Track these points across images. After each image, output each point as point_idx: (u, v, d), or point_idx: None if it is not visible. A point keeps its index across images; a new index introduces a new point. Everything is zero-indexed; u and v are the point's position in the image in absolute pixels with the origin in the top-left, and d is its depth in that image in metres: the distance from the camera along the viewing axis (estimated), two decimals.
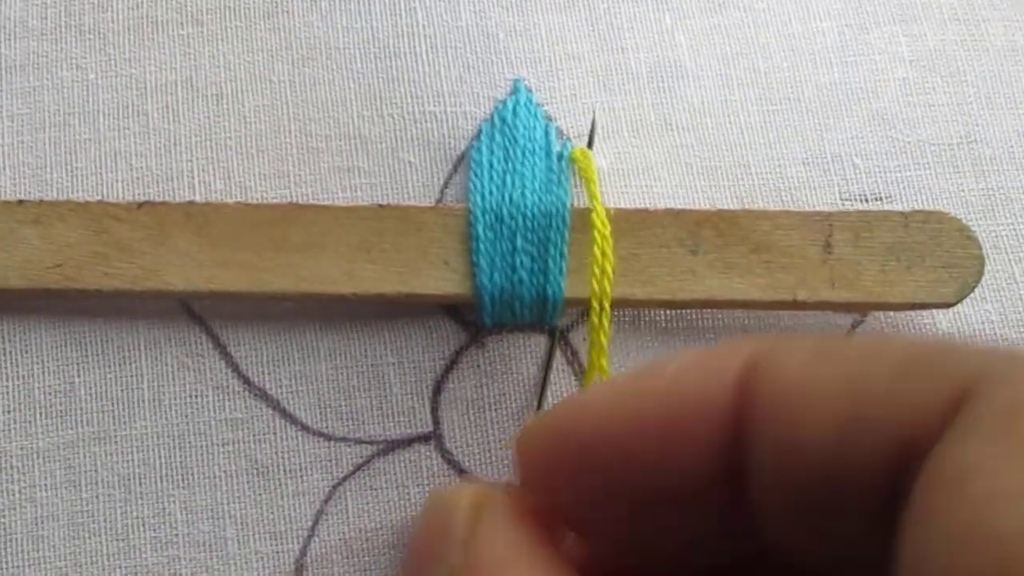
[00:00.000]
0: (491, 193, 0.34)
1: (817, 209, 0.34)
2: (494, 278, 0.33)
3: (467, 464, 0.33)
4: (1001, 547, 0.16)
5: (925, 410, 0.19)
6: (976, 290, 0.35)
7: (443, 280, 0.33)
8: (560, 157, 0.34)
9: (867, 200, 0.36)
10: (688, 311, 0.35)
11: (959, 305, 0.34)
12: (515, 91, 0.36)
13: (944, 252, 0.33)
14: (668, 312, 0.35)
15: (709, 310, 0.35)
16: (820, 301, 0.33)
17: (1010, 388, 0.19)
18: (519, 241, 0.33)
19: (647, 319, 0.35)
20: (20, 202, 0.34)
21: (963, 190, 0.36)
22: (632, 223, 0.33)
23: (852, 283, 0.33)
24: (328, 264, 0.33)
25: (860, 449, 0.20)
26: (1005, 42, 0.38)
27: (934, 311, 0.34)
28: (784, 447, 0.20)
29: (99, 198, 0.35)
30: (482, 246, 0.33)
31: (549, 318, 0.33)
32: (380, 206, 0.34)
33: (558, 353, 0.34)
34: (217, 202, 0.34)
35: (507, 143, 0.35)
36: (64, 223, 0.33)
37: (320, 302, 0.33)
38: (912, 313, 0.34)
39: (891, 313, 0.34)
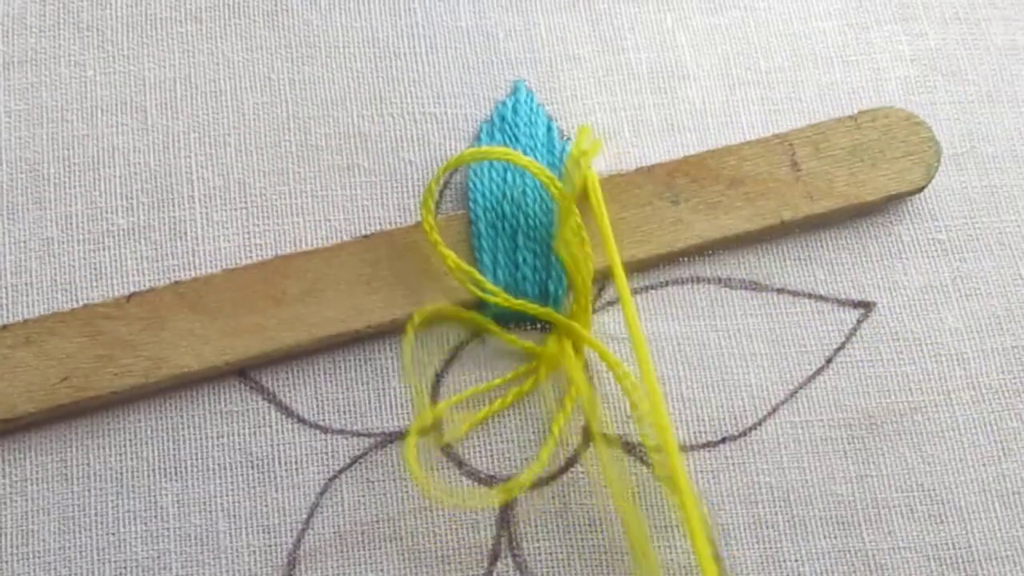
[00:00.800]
0: (491, 192, 0.34)
1: (773, 132, 0.35)
2: (497, 275, 0.33)
3: (466, 457, 0.33)
4: None
5: None
6: (981, 286, 0.34)
7: (450, 288, 0.33)
8: (562, 156, 0.34)
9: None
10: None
11: (966, 300, 0.34)
12: (516, 91, 0.36)
13: (900, 143, 0.35)
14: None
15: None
16: (805, 216, 0.34)
17: None
18: (521, 239, 0.33)
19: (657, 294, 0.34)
20: (4, 327, 0.32)
21: (967, 188, 0.36)
22: (610, 189, 0.34)
23: (827, 192, 0.34)
24: (333, 306, 0.32)
25: None
26: (1006, 40, 0.38)
27: (941, 308, 0.34)
28: None
29: (97, 196, 0.34)
30: (484, 244, 0.33)
31: (553, 312, 0.33)
32: (364, 237, 0.33)
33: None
34: (204, 275, 0.33)
35: (508, 141, 0.34)
36: (57, 336, 0.32)
37: (339, 341, 0.33)
38: (918, 307, 0.34)
39: (897, 308, 0.34)
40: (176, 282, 0.33)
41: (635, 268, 0.34)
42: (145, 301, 0.33)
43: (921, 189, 0.35)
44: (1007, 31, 0.38)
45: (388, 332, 0.33)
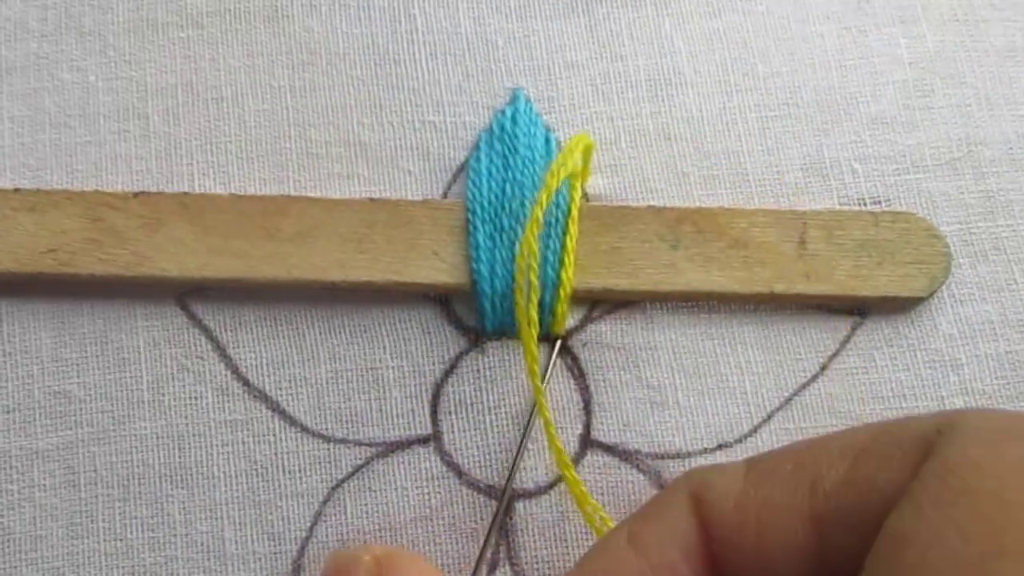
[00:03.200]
0: (490, 203, 0.34)
1: (792, 208, 0.35)
2: (495, 284, 0.33)
3: (466, 467, 0.33)
4: None
5: (893, 486, 0.21)
6: (976, 291, 0.35)
7: (432, 270, 0.33)
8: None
9: (866, 204, 0.36)
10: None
11: (960, 306, 0.34)
12: (515, 100, 0.36)
13: (913, 249, 0.34)
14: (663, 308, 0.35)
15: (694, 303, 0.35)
16: (797, 293, 0.34)
17: (961, 455, 0.20)
18: (518, 249, 0.33)
19: (645, 319, 0.35)
20: (16, 190, 0.34)
21: (963, 192, 0.36)
22: (615, 218, 0.34)
23: (826, 277, 0.34)
24: (319, 253, 0.33)
25: (836, 545, 0.21)
26: (1004, 43, 0.38)
27: (935, 314, 0.34)
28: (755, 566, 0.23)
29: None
30: (482, 254, 0.33)
31: (548, 324, 0.33)
32: (372, 200, 0.34)
33: (557, 359, 0.34)
34: (212, 193, 0.34)
35: (507, 152, 0.35)
36: (59, 210, 0.34)
37: (311, 290, 0.34)
38: (912, 314, 0.35)
39: (889, 315, 0.35)
40: (184, 193, 0.34)
41: (615, 299, 0.34)
42: (149, 202, 0.34)
43: (921, 300, 0.34)
44: (1005, 33, 0.38)
45: (361, 291, 0.34)
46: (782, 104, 0.37)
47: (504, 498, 0.32)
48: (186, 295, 0.34)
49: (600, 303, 0.34)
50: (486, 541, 0.32)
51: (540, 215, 0.31)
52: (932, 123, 0.37)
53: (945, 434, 0.20)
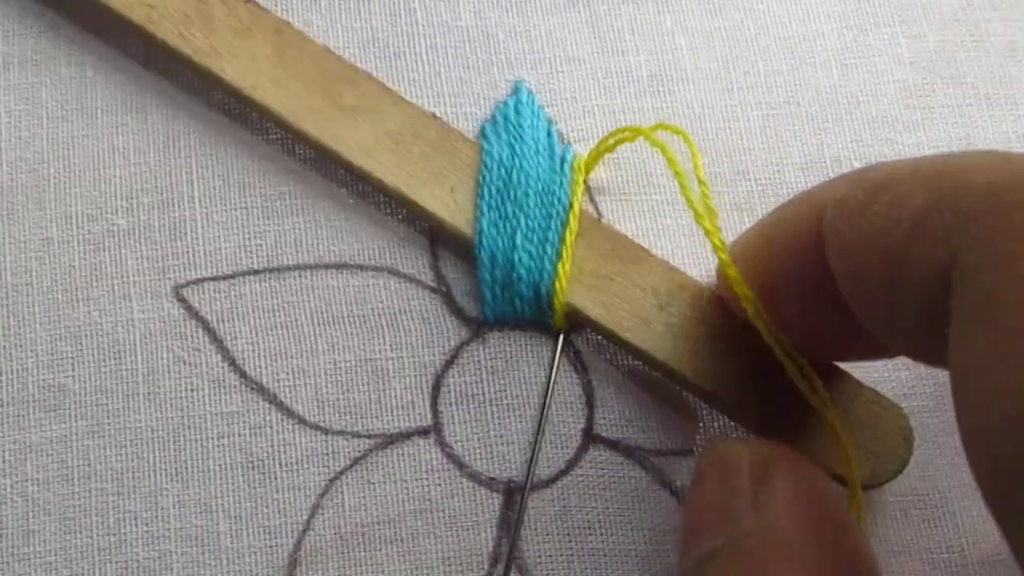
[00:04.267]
0: (498, 189, 0.34)
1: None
2: (495, 273, 0.33)
3: (468, 459, 0.33)
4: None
5: (960, 228, 0.22)
6: None
7: (440, 203, 0.34)
8: (563, 161, 0.34)
9: None
10: None
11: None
12: (517, 91, 0.36)
13: (874, 437, 0.32)
14: None
15: None
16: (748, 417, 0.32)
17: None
18: (519, 239, 0.33)
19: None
20: None
21: None
22: (630, 254, 0.33)
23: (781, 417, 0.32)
24: (357, 134, 0.34)
25: (909, 265, 0.24)
26: (1005, 43, 0.38)
27: None
28: (850, 271, 0.26)
29: (97, 196, 0.35)
30: (485, 240, 0.33)
31: (548, 318, 0.33)
32: (434, 116, 0.35)
33: (561, 354, 0.34)
34: (309, 37, 0.35)
35: (513, 142, 0.35)
36: None
37: (327, 158, 0.35)
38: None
39: None
40: (287, 22, 0.35)
41: (582, 323, 0.34)
42: (254, 13, 0.35)
43: (844, 484, 0.30)
44: (1006, 32, 0.38)
45: (371, 184, 0.34)
46: (783, 102, 0.37)
47: (526, 491, 0.32)
48: (182, 286, 0.34)
49: None
50: (514, 537, 0.32)
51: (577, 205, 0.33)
52: (932, 123, 0.37)
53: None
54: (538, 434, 0.32)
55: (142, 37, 0.35)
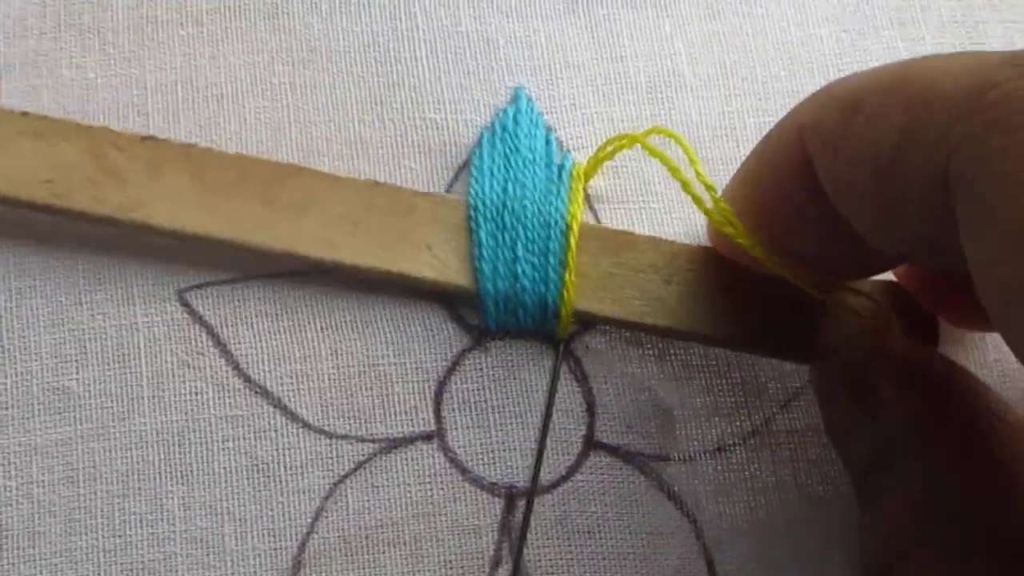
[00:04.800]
0: (492, 201, 0.34)
1: None
2: (497, 285, 0.33)
3: (470, 464, 0.33)
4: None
5: (945, 137, 0.23)
6: None
7: (422, 264, 0.33)
8: (561, 169, 0.35)
9: None
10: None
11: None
12: (516, 99, 0.36)
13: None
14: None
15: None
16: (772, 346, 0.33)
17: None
18: (520, 250, 0.33)
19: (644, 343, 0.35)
20: (24, 114, 0.34)
21: None
22: (616, 243, 0.34)
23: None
24: (312, 228, 0.33)
25: (903, 180, 0.24)
26: (1003, 45, 0.38)
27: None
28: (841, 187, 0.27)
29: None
30: (485, 252, 0.33)
31: (552, 327, 0.34)
32: (376, 183, 0.34)
33: (561, 364, 0.34)
34: (219, 150, 0.34)
35: (508, 151, 0.35)
36: (65, 142, 0.33)
37: (295, 264, 0.34)
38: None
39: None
40: (192, 144, 0.34)
41: (598, 323, 0.34)
42: (157, 148, 0.33)
43: None
44: (1005, 34, 0.38)
45: (359, 282, 0.34)
46: (781, 108, 0.37)
47: (531, 496, 0.32)
48: (186, 291, 0.34)
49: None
50: (520, 542, 0.32)
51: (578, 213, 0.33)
52: None
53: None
54: (542, 441, 0.33)
55: (53, 214, 0.33)
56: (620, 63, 0.37)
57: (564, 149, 0.36)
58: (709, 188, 0.32)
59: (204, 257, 0.34)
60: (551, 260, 0.33)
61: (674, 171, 0.32)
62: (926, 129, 0.23)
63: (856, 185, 0.26)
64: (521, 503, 0.33)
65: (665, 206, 0.36)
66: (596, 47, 0.38)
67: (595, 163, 0.35)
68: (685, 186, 0.32)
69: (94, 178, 0.33)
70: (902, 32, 0.38)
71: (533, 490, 0.32)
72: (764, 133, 0.36)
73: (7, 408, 0.33)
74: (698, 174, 0.32)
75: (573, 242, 0.33)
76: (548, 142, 0.35)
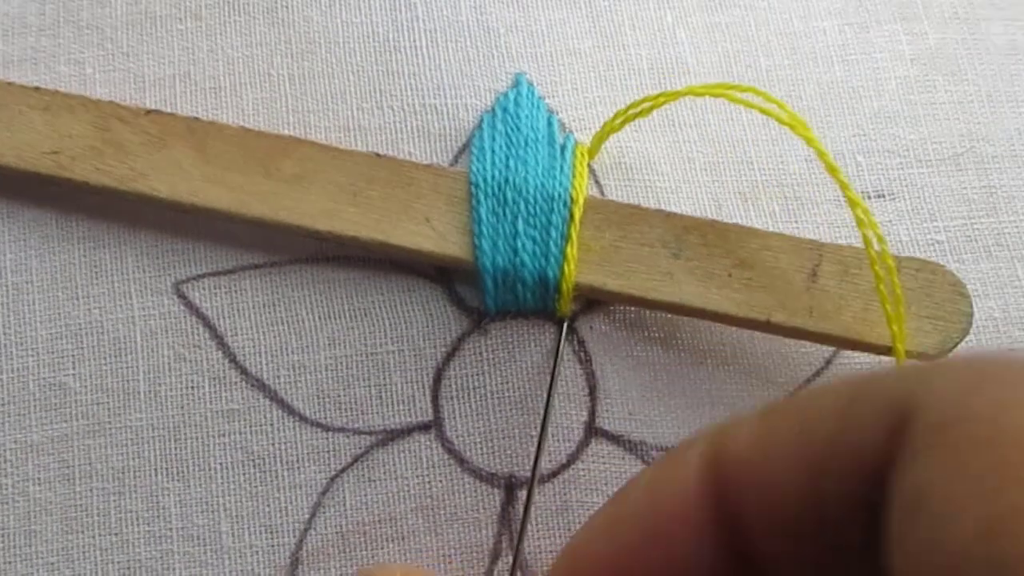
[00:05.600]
0: (493, 177, 0.34)
1: (811, 238, 0.33)
2: (496, 261, 0.33)
3: (468, 454, 0.33)
4: (957, 558, 0.18)
5: (873, 442, 0.21)
6: (979, 287, 0.35)
7: (421, 236, 0.33)
8: (563, 148, 0.34)
9: (869, 197, 0.36)
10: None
11: (971, 301, 0.33)
12: (517, 84, 0.36)
13: (932, 303, 0.32)
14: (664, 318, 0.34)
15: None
16: (795, 327, 0.32)
17: (938, 406, 0.20)
18: (521, 225, 0.33)
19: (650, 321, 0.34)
20: (36, 88, 0.34)
21: (965, 187, 0.36)
22: (621, 216, 0.33)
23: (831, 316, 0.32)
24: (311, 200, 0.33)
25: (827, 494, 0.21)
26: (1006, 40, 0.38)
27: None
28: (763, 516, 0.22)
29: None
30: (484, 229, 0.33)
31: (552, 304, 0.33)
32: (377, 155, 0.34)
33: (564, 343, 0.33)
34: (222, 123, 0.34)
35: (509, 131, 0.35)
36: (71, 115, 0.34)
37: (295, 235, 0.34)
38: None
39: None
40: (195, 118, 0.34)
41: (603, 298, 0.34)
42: (160, 121, 0.34)
43: (930, 358, 0.32)
44: (1007, 31, 0.38)
45: (345, 245, 0.34)
46: (784, 97, 0.37)
47: (532, 484, 0.31)
48: (183, 283, 0.34)
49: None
50: (521, 533, 0.31)
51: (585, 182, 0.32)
52: (935, 118, 0.37)
53: (921, 395, 0.21)
54: (542, 430, 0.32)
55: (59, 184, 0.34)
56: (623, 51, 0.37)
57: (567, 131, 0.36)
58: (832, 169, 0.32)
59: (201, 243, 0.34)
60: (552, 234, 0.33)
61: (833, 169, 0.32)
62: (854, 440, 0.21)
63: (781, 509, 0.22)
64: (521, 493, 0.32)
65: (672, 185, 0.36)
66: (598, 36, 0.37)
67: (602, 136, 0.34)
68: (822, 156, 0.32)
69: (98, 149, 0.34)
70: (904, 26, 0.38)
71: (533, 481, 0.32)
72: (770, 122, 0.36)
73: (4, 405, 0.33)
74: (822, 154, 0.32)
75: (577, 214, 0.33)
76: (550, 123, 0.35)
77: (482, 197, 0.33)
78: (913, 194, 0.36)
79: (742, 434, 0.23)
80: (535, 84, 0.36)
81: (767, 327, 0.33)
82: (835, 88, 0.37)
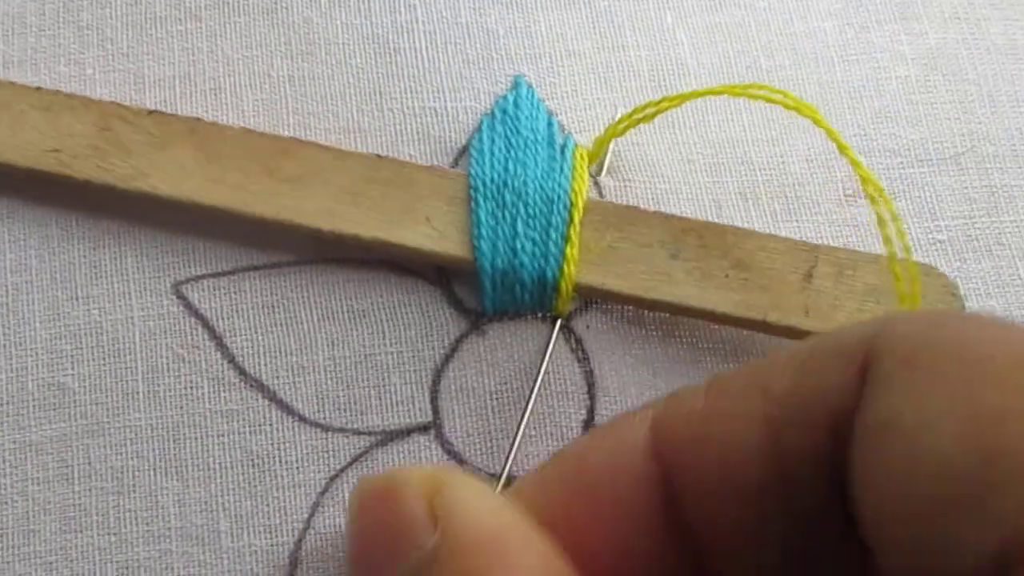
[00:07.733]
0: (492, 179, 0.34)
1: (811, 239, 0.34)
2: (496, 262, 0.33)
3: (468, 455, 0.32)
4: (935, 464, 0.18)
5: (839, 385, 0.21)
6: (980, 287, 0.35)
7: (421, 236, 0.33)
8: (563, 149, 0.34)
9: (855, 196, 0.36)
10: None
11: (964, 302, 0.34)
12: (516, 86, 0.36)
13: (925, 304, 0.32)
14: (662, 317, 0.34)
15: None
16: (790, 327, 0.33)
17: (902, 343, 0.20)
18: (520, 226, 0.33)
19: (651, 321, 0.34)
20: (38, 88, 0.35)
21: (966, 187, 0.36)
22: (620, 218, 0.34)
23: (826, 315, 0.32)
24: (313, 199, 0.33)
25: (787, 450, 0.21)
26: (1006, 40, 0.38)
27: None
28: (712, 481, 0.22)
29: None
30: (484, 230, 0.33)
31: (550, 304, 0.33)
32: (378, 156, 0.34)
33: (562, 341, 0.33)
34: (223, 124, 0.34)
35: (509, 133, 0.35)
36: (73, 115, 0.34)
37: (297, 234, 0.34)
38: None
39: None
40: (197, 118, 0.34)
41: (601, 297, 0.34)
42: (162, 121, 0.34)
43: None
44: (1007, 31, 0.38)
45: (346, 244, 0.34)
46: None
47: (503, 475, 0.31)
48: (182, 284, 0.34)
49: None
50: None
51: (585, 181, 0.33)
52: (935, 118, 0.37)
53: (885, 335, 0.21)
54: (520, 424, 0.32)
55: (60, 182, 0.34)
56: (622, 52, 0.37)
57: (566, 132, 0.36)
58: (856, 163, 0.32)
59: (201, 244, 0.34)
60: (552, 235, 0.33)
61: (860, 166, 0.32)
62: (817, 383, 0.21)
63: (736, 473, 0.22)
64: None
65: (672, 186, 0.36)
66: (598, 37, 0.37)
67: (605, 140, 0.34)
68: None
69: (100, 148, 0.34)
70: (905, 26, 0.38)
71: (504, 471, 0.31)
72: (771, 123, 0.36)
73: (3, 405, 0.33)
74: (858, 167, 0.33)
75: (576, 216, 0.33)
76: (550, 124, 0.35)
77: (481, 199, 0.33)
78: (914, 194, 0.36)
79: (694, 397, 0.23)
80: (535, 86, 0.36)
81: (763, 327, 0.33)
82: (836, 88, 0.37)
